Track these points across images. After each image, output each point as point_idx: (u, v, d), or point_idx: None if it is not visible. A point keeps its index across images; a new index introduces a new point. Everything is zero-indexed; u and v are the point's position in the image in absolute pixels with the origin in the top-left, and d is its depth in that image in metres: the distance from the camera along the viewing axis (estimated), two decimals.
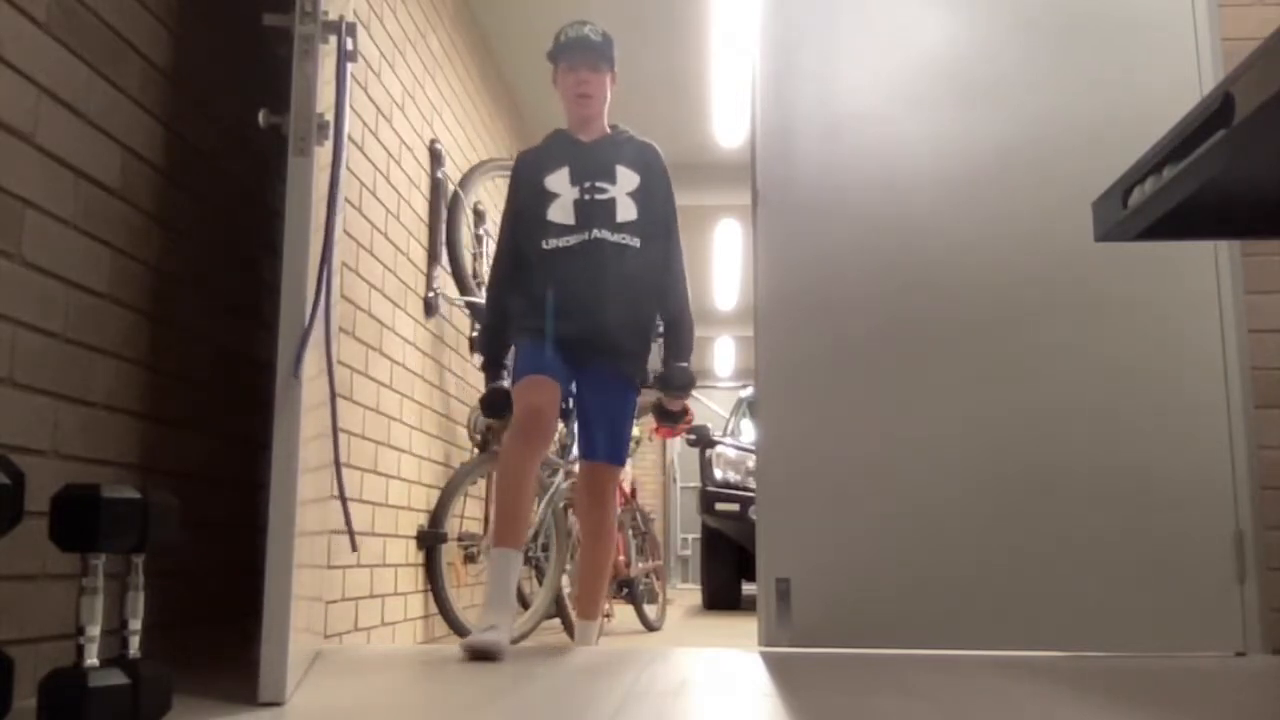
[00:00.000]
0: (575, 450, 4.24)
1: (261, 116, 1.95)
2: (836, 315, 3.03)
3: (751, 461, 6.74)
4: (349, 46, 2.01)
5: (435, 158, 4.41)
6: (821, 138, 3.10)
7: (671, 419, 3.16)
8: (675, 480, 13.52)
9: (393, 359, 3.77)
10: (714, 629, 6.03)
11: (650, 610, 5.83)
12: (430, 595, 3.98)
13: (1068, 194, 2.97)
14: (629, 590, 5.67)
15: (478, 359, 3.07)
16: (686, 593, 11.03)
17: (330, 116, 1.94)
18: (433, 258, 4.33)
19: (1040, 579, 2.88)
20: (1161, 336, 2.97)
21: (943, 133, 3.09)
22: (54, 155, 1.86)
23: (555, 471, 4.50)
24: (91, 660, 1.52)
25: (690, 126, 6.86)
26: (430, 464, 4.24)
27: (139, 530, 1.56)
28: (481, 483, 4.46)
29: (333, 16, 1.97)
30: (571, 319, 2.80)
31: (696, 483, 7.85)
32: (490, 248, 3.13)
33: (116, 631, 1.62)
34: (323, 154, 1.95)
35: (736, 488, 7.21)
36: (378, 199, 3.64)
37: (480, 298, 4.38)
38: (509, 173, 3.07)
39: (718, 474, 7.40)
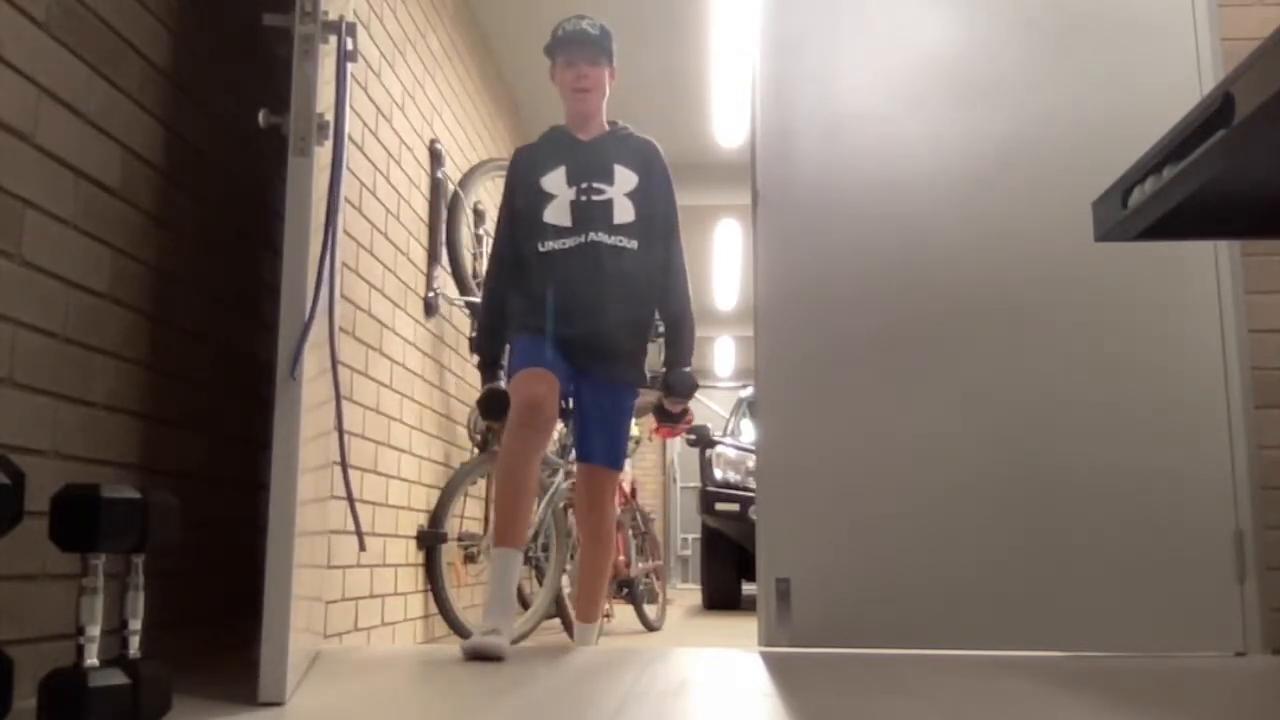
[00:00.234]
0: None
1: (261, 116, 1.95)
2: (836, 315, 3.03)
3: (751, 461, 6.74)
4: (349, 46, 2.01)
5: (435, 158, 4.41)
6: (821, 138, 3.10)
7: (672, 419, 3.14)
8: (675, 480, 13.52)
9: (393, 359, 3.77)
10: (714, 629, 6.03)
11: (650, 610, 5.83)
12: (430, 595, 3.99)
13: (1068, 194, 2.97)
14: (629, 590, 5.67)
15: (476, 359, 3.02)
16: (686, 593, 11.03)
17: (330, 116, 1.94)
18: (433, 258, 4.33)
19: (1040, 579, 2.88)
20: (1161, 336, 2.97)
21: (943, 133, 3.09)
22: (54, 155, 1.86)
23: (555, 471, 4.50)
24: (91, 660, 1.52)
25: (690, 126, 6.86)
26: (430, 464, 4.24)
27: (139, 530, 1.56)
28: (481, 483, 4.47)
29: (333, 16, 1.97)
30: (568, 321, 2.77)
31: (696, 483, 7.85)
32: (490, 247, 3.08)
33: (116, 631, 1.62)
34: (323, 154, 1.95)
35: (736, 488, 7.22)
36: (378, 199, 3.64)
37: (480, 297, 4.37)
38: None
39: (718, 474, 7.40)
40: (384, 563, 3.62)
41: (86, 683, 1.48)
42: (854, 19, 3.16)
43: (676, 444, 12.67)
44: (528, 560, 4.43)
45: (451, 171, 4.62)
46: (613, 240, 2.82)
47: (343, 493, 2.64)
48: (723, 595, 7.65)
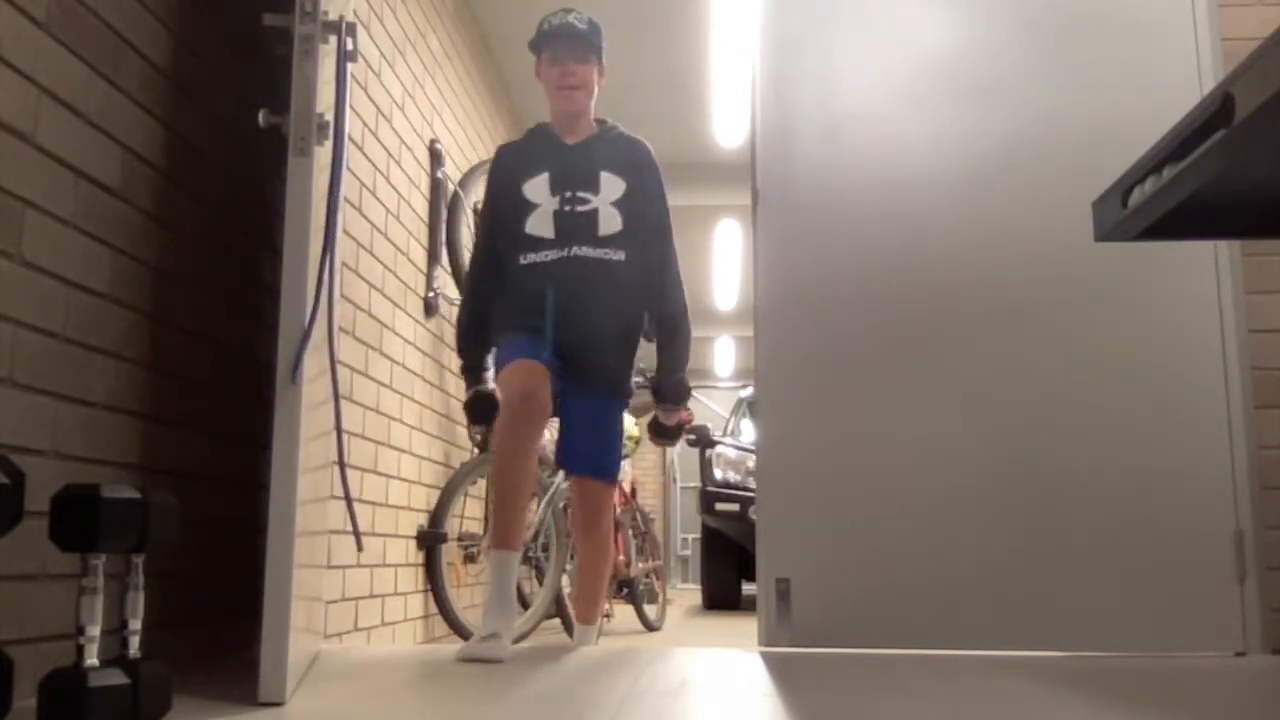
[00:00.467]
0: None
1: (261, 116, 1.95)
2: (836, 315, 3.02)
3: (751, 461, 6.74)
4: (349, 46, 2.01)
5: (435, 158, 4.41)
6: (821, 138, 3.10)
7: (668, 435, 3.02)
8: (675, 480, 13.52)
9: (393, 359, 3.77)
10: (714, 629, 6.03)
11: (650, 610, 5.83)
12: (430, 595, 3.99)
13: (1067, 194, 2.97)
14: (629, 590, 5.67)
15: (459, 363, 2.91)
16: (686, 593, 11.03)
17: (330, 116, 1.94)
18: (433, 258, 4.33)
19: (1040, 579, 2.88)
20: (1161, 336, 2.97)
21: (943, 133, 3.09)
22: (54, 155, 1.86)
23: (556, 471, 4.50)
24: (91, 660, 1.52)
25: (690, 126, 6.86)
26: (430, 464, 4.24)
27: (139, 530, 1.56)
28: (481, 483, 4.46)
29: (333, 16, 1.97)
30: (555, 329, 2.67)
31: (696, 483, 7.86)
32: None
33: (116, 631, 1.62)
34: (323, 154, 1.95)
35: (736, 488, 7.22)
36: (378, 199, 3.64)
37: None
38: None
39: (718, 474, 7.40)
40: (384, 563, 3.62)
41: (86, 683, 1.48)
42: (854, 19, 3.16)
43: (677, 444, 12.68)
44: (527, 560, 4.42)
45: (451, 171, 4.62)
46: (597, 253, 2.70)
47: (342, 493, 2.64)
48: (723, 595, 7.65)
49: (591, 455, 2.82)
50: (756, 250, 3.09)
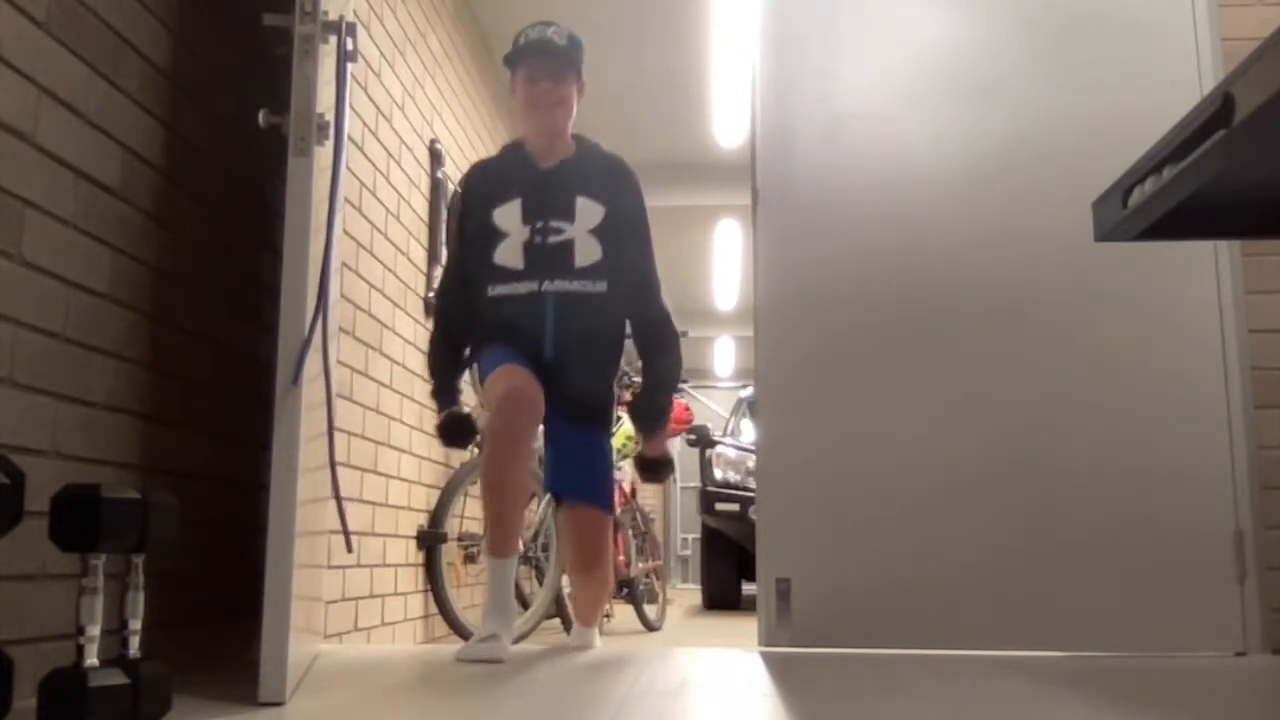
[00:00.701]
0: None
1: (261, 116, 1.95)
2: (836, 315, 3.02)
3: (751, 461, 6.74)
4: (349, 46, 2.01)
5: (435, 158, 4.41)
6: (821, 138, 3.10)
7: (655, 470, 2.85)
8: (675, 480, 13.52)
9: (393, 359, 3.77)
10: (714, 629, 6.03)
11: (650, 610, 5.83)
12: (430, 595, 3.98)
13: (1068, 194, 2.97)
14: (629, 590, 5.66)
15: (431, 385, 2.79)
16: (686, 593, 11.03)
17: (330, 116, 1.94)
18: (433, 258, 4.33)
19: (1040, 579, 2.88)
20: (1161, 336, 2.97)
21: (943, 132, 3.09)
22: (54, 155, 1.86)
23: None
24: (91, 660, 1.52)
25: (690, 126, 6.86)
26: (430, 464, 4.24)
27: (139, 530, 1.56)
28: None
29: (333, 16, 1.97)
30: (534, 362, 2.54)
31: (696, 483, 7.86)
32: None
33: (116, 631, 1.62)
34: (323, 154, 1.95)
35: (736, 488, 7.21)
36: (378, 199, 3.64)
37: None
38: None
39: (718, 474, 7.40)
40: (384, 563, 3.62)
41: (86, 683, 1.48)
42: (854, 19, 3.16)
43: (676, 444, 12.67)
44: (527, 560, 4.42)
45: (451, 171, 4.62)
46: (574, 286, 2.57)
47: (342, 493, 2.63)
48: (723, 595, 7.65)
49: (579, 477, 2.71)
50: (756, 250, 3.09)
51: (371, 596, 3.48)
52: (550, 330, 2.58)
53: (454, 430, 2.69)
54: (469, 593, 4.44)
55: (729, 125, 6.84)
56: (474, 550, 4.31)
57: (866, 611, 2.89)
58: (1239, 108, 1.32)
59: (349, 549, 2.25)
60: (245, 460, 2.68)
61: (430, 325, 4.28)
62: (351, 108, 3.23)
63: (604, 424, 2.77)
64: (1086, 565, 2.88)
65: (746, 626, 5.45)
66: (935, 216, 3.05)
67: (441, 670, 2.27)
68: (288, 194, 1.86)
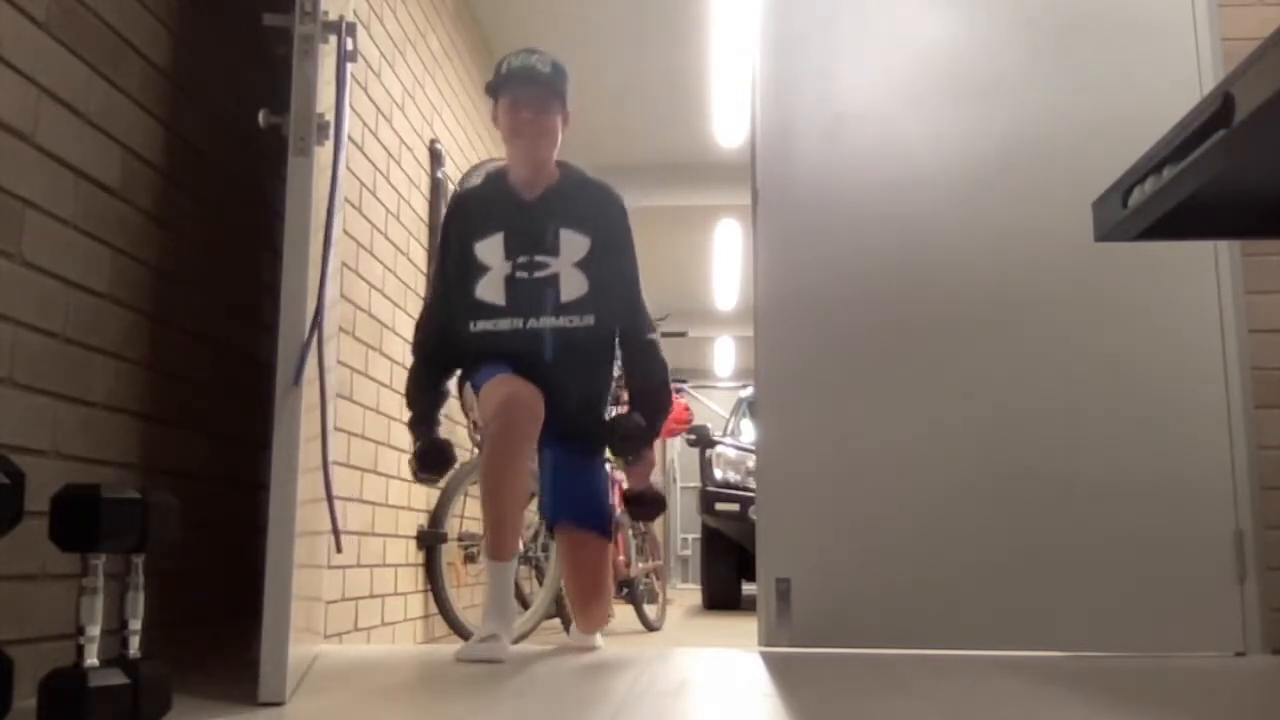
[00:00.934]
0: None
1: (261, 116, 1.95)
2: (836, 315, 3.02)
3: (751, 461, 6.74)
4: (349, 46, 2.01)
5: (435, 158, 4.41)
6: (821, 138, 3.10)
7: (644, 505, 2.71)
8: (675, 480, 13.52)
9: (393, 359, 3.77)
10: (714, 629, 6.03)
11: (650, 610, 5.83)
12: (430, 595, 3.98)
13: (1068, 194, 2.96)
14: (629, 590, 5.66)
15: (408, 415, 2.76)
16: (686, 593, 11.03)
17: (330, 116, 1.94)
18: (433, 258, 4.33)
19: (1040, 579, 2.88)
20: (1161, 336, 2.97)
21: (943, 132, 3.09)
22: (54, 155, 1.86)
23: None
24: (91, 660, 1.51)
25: (690, 126, 6.86)
26: None
27: (139, 530, 1.56)
28: None
29: (333, 16, 1.97)
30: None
31: (696, 483, 7.86)
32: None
33: (116, 631, 1.62)
34: (323, 154, 1.95)
35: (736, 488, 7.21)
36: (378, 199, 3.64)
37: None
38: None
39: (718, 474, 7.40)
40: (384, 563, 3.62)
41: (86, 683, 1.48)
42: (854, 19, 3.16)
43: (676, 444, 12.68)
44: (527, 560, 4.42)
45: (451, 171, 4.62)
46: (561, 323, 2.53)
47: (342, 493, 2.64)
48: (723, 595, 7.65)
49: (575, 501, 2.68)
50: (756, 250, 3.09)
51: (371, 596, 3.48)
52: (539, 365, 2.54)
53: (433, 458, 2.65)
54: (469, 593, 4.44)
55: (729, 125, 6.83)
56: (474, 550, 4.31)
57: (866, 611, 2.89)
58: (1239, 108, 1.32)
59: (338, 549, 2.24)
60: (245, 460, 2.68)
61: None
62: (351, 108, 3.23)
63: (598, 450, 2.75)
64: (1086, 565, 2.87)
65: (746, 626, 5.45)
66: (935, 216, 3.05)
67: (441, 670, 2.27)
68: (288, 194, 1.86)
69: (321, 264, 1.90)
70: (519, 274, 2.55)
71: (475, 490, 4.45)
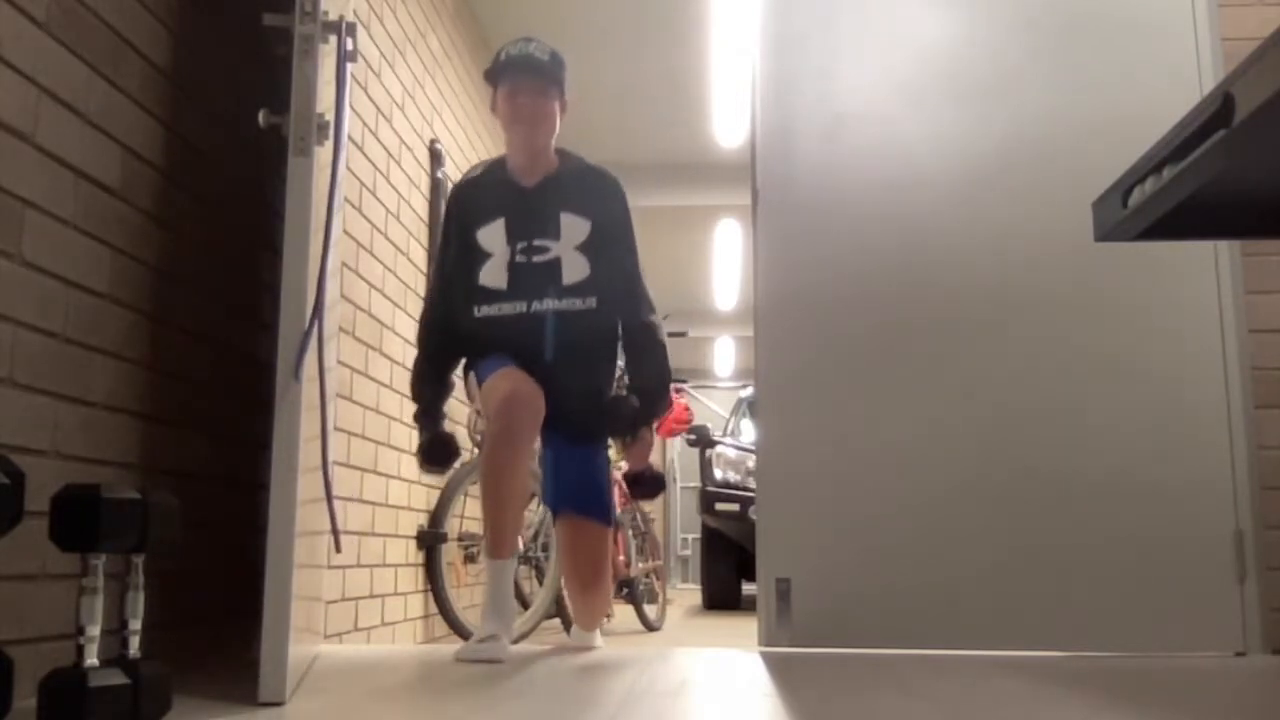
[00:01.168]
0: None
1: (261, 116, 1.95)
2: (836, 315, 3.02)
3: (751, 461, 6.74)
4: (349, 46, 2.01)
5: (435, 158, 4.41)
6: (821, 138, 3.10)
7: (643, 485, 2.72)
8: (675, 480, 13.52)
9: (393, 359, 3.77)
10: (714, 629, 6.03)
11: (650, 610, 5.83)
12: (430, 595, 3.98)
13: (1068, 194, 2.96)
14: (629, 590, 5.66)
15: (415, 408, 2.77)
16: (686, 593, 11.03)
17: (330, 116, 1.94)
18: (433, 258, 4.33)
19: (1040, 579, 2.88)
20: (1161, 336, 2.97)
21: (943, 132, 3.09)
22: (54, 155, 1.86)
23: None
24: (91, 660, 1.52)
25: (690, 126, 6.86)
26: None
27: (139, 530, 1.56)
28: None
29: (333, 16, 1.97)
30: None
31: (696, 483, 7.86)
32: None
33: (116, 631, 1.62)
34: (323, 154, 1.95)
35: (736, 488, 7.22)
36: (378, 199, 3.64)
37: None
38: None
39: (718, 474, 7.40)
40: (384, 563, 3.62)
41: (86, 683, 1.48)
42: (854, 18, 3.16)
43: (676, 444, 12.68)
44: (527, 560, 4.43)
45: (451, 171, 4.62)
46: (564, 304, 2.56)
47: (342, 493, 2.64)
48: (723, 595, 7.65)
49: (577, 490, 2.69)
50: (756, 250, 3.09)
51: (371, 596, 3.48)
52: (542, 348, 2.57)
53: (437, 452, 2.67)
54: (469, 593, 4.44)
55: (729, 125, 6.83)
56: (474, 550, 4.31)
57: (866, 611, 2.89)
58: (1239, 108, 1.32)
59: (338, 549, 2.24)
60: (245, 460, 2.68)
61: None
62: (351, 108, 3.23)
63: (600, 437, 2.76)
64: (1086, 565, 2.88)
65: (746, 626, 5.45)
66: (935, 216, 3.05)
67: (441, 670, 2.27)
68: (288, 194, 1.86)
69: (321, 263, 1.90)
70: (520, 259, 2.57)
71: (475, 490, 4.46)
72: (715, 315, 11.45)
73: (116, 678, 1.52)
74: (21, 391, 1.76)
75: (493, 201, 2.64)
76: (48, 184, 1.85)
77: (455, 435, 2.74)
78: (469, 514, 4.49)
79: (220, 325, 2.56)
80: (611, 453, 2.93)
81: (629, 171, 3.00)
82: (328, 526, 2.09)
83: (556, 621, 4.78)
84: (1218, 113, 1.37)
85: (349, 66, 2.04)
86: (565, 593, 4.53)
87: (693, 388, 10.01)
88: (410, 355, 3.99)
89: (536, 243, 2.58)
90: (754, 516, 3.37)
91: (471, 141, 5.24)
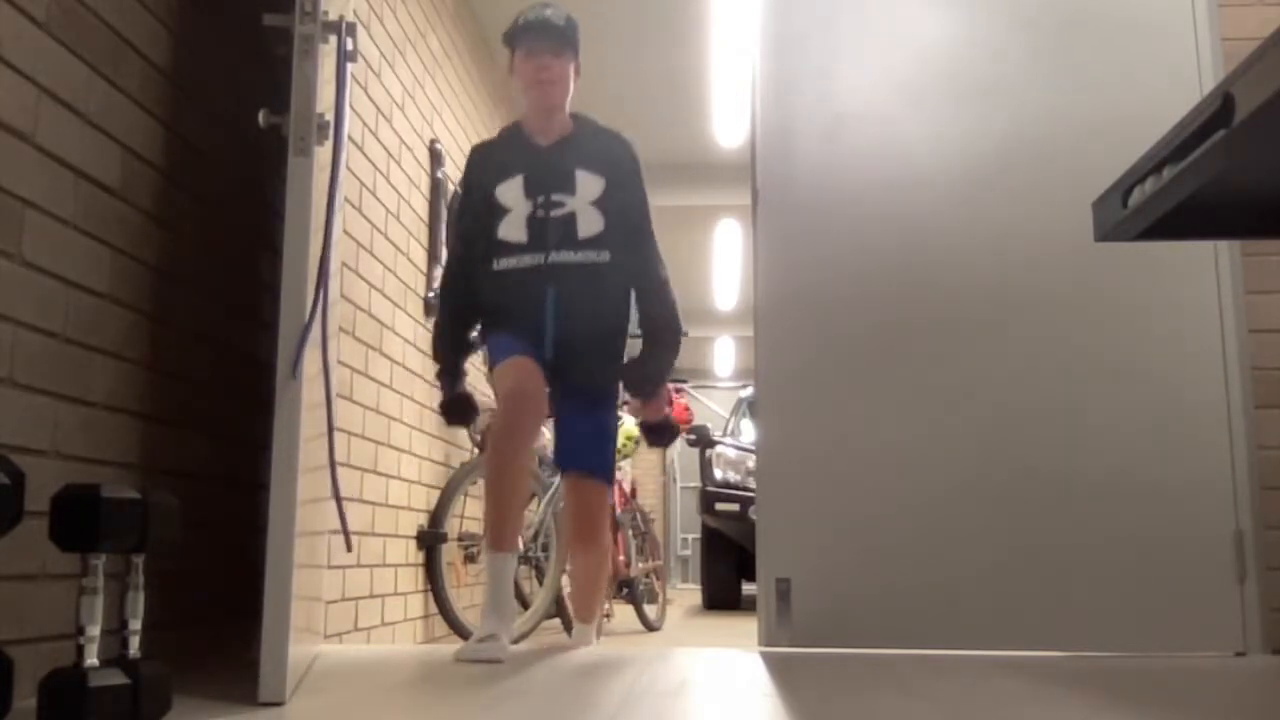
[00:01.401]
0: None
1: (261, 116, 1.95)
2: (836, 315, 3.03)
3: (751, 461, 6.75)
4: (349, 46, 2.01)
5: (435, 158, 4.41)
6: (821, 138, 3.10)
7: (658, 433, 2.92)
8: (675, 480, 13.52)
9: (393, 359, 3.77)
10: (714, 629, 6.03)
11: (650, 610, 5.83)
12: (430, 595, 3.99)
13: (1068, 194, 2.97)
14: (629, 590, 5.67)
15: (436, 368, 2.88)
16: (686, 593, 11.03)
17: (330, 116, 1.94)
18: (433, 258, 4.33)
19: (1040, 579, 2.88)
20: (1161, 337, 2.97)
21: (943, 132, 3.09)
22: (54, 155, 1.86)
23: (555, 471, 4.50)
24: (91, 660, 1.51)
25: (690, 126, 6.86)
26: (430, 464, 4.24)
27: (139, 530, 1.56)
28: (481, 482, 4.46)
29: (333, 16, 1.97)
30: (537, 335, 2.65)
31: (696, 483, 7.86)
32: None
33: (116, 631, 1.62)
34: (323, 154, 1.95)
35: (736, 488, 7.22)
36: (378, 199, 3.64)
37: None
38: None
39: (718, 474, 7.41)
40: (384, 563, 3.62)
41: (86, 683, 1.48)
42: (854, 18, 3.16)
43: (677, 444, 12.70)
44: (527, 560, 4.43)
45: (451, 171, 4.62)
46: (579, 257, 2.66)
47: (343, 493, 2.63)
48: (723, 595, 7.65)
49: (584, 451, 2.78)
50: (756, 250, 3.09)
51: (371, 596, 3.48)
52: (556, 302, 2.66)
53: (458, 409, 2.77)
54: (469, 593, 4.44)
55: (729, 125, 6.84)
56: (474, 550, 4.31)
57: (866, 611, 2.89)
58: (1239, 108, 1.32)
59: (349, 548, 2.26)
60: (245, 460, 2.68)
61: (430, 324, 4.29)
62: (351, 108, 3.23)
63: (609, 394, 2.84)
64: (1086, 565, 2.88)
65: (746, 626, 5.45)
66: (935, 216, 3.05)
67: (441, 670, 2.28)
68: (288, 194, 1.86)
69: (321, 263, 1.90)
70: (538, 213, 2.67)
71: (475, 490, 4.47)
72: (715, 315, 11.45)
73: (116, 678, 1.52)
74: (21, 391, 1.76)
75: (511, 159, 2.73)
76: (48, 184, 1.85)
77: (472, 394, 2.82)
78: (469, 514, 4.49)
79: (220, 325, 2.56)
80: (626, 414, 2.98)
81: None
82: (328, 527, 2.09)
83: (556, 622, 4.79)
84: (1218, 113, 1.37)
85: (349, 66, 2.04)
86: (565, 585, 4.54)
87: (693, 388, 10.02)
88: (410, 355, 4.00)
89: (554, 197, 2.67)
90: (754, 516, 3.37)
91: (471, 141, 5.24)
